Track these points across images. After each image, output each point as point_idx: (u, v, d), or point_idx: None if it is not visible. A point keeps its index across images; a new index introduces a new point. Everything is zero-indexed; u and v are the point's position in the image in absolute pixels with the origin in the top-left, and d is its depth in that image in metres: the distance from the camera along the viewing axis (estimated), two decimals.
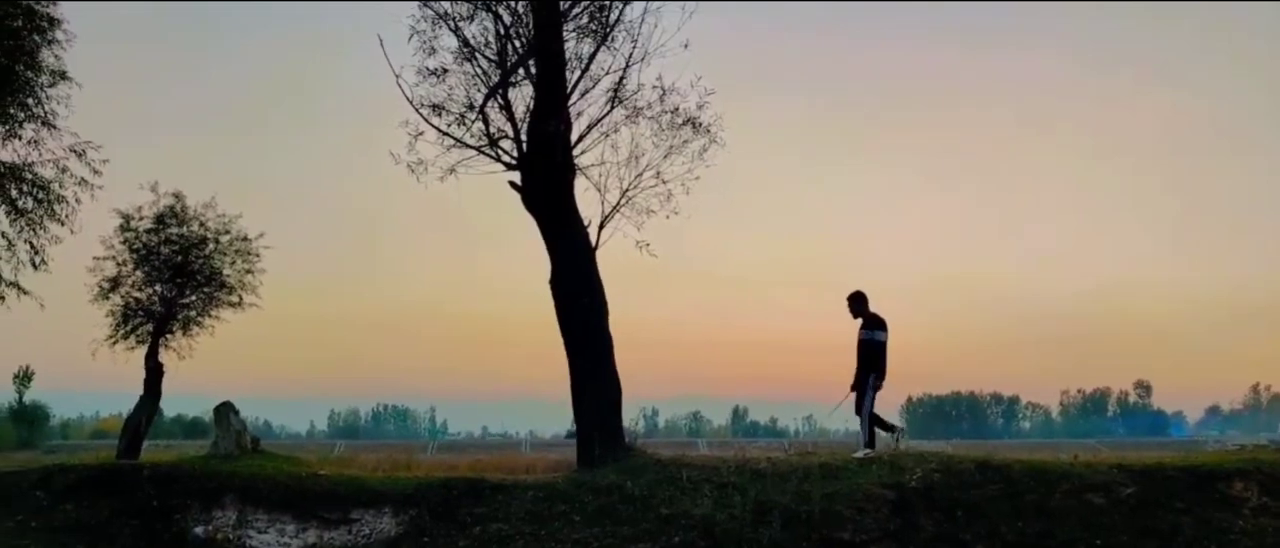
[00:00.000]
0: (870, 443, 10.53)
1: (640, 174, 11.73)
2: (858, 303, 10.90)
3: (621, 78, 11.54)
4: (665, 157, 11.74)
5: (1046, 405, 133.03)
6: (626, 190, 11.71)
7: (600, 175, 11.70)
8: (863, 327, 10.77)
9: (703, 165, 11.78)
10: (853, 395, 10.68)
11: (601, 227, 11.47)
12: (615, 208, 11.62)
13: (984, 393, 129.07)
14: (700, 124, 11.63)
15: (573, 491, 9.57)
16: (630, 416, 11.47)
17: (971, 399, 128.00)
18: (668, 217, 11.83)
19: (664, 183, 11.76)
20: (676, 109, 11.63)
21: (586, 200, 11.53)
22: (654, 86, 11.63)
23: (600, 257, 11.37)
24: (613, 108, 11.58)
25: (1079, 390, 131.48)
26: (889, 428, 10.93)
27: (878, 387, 10.68)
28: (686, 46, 11.38)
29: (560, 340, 11.21)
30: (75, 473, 10.24)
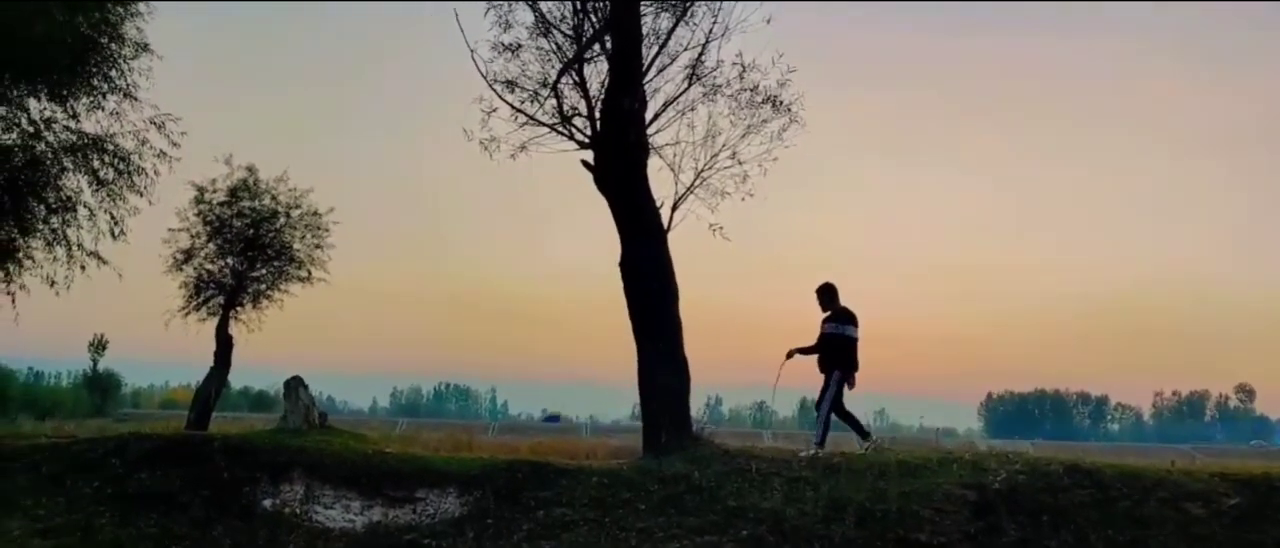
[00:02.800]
0: (821, 442, 10.44)
1: (716, 154, 11.69)
2: (827, 295, 10.72)
3: (700, 54, 11.49)
4: (743, 136, 11.67)
5: (1138, 407, 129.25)
6: (701, 171, 11.68)
7: (675, 155, 11.69)
8: (829, 320, 10.59)
9: (781, 146, 11.68)
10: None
11: (674, 208, 11.46)
12: (689, 189, 11.60)
13: (1070, 392, 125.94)
14: (781, 103, 11.51)
15: (638, 478, 9.60)
16: (695, 404, 11.50)
17: (1056, 398, 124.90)
18: (743, 199, 11.77)
19: (740, 164, 11.70)
20: (756, 87, 11.53)
21: (659, 181, 11.53)
22: (733, 63, 11.56)
23: (672, 239, 11.37)
24: (690, 85, 11.55)
25: (1174, 392, 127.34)
26: (863, 433, 10.75)
27: (848, 384, 10.52)
28: (769, 21, 11.29)
29: (627, 324, 11.25)
30: (149, 442, 10.66)
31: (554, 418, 66.91)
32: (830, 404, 10.47)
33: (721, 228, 11.61)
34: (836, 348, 10.50)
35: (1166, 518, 8.74)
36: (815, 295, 10.80)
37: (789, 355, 10.62)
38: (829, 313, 10.67)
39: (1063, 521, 8.63)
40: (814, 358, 10.64)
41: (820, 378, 10.64)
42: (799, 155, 11.94)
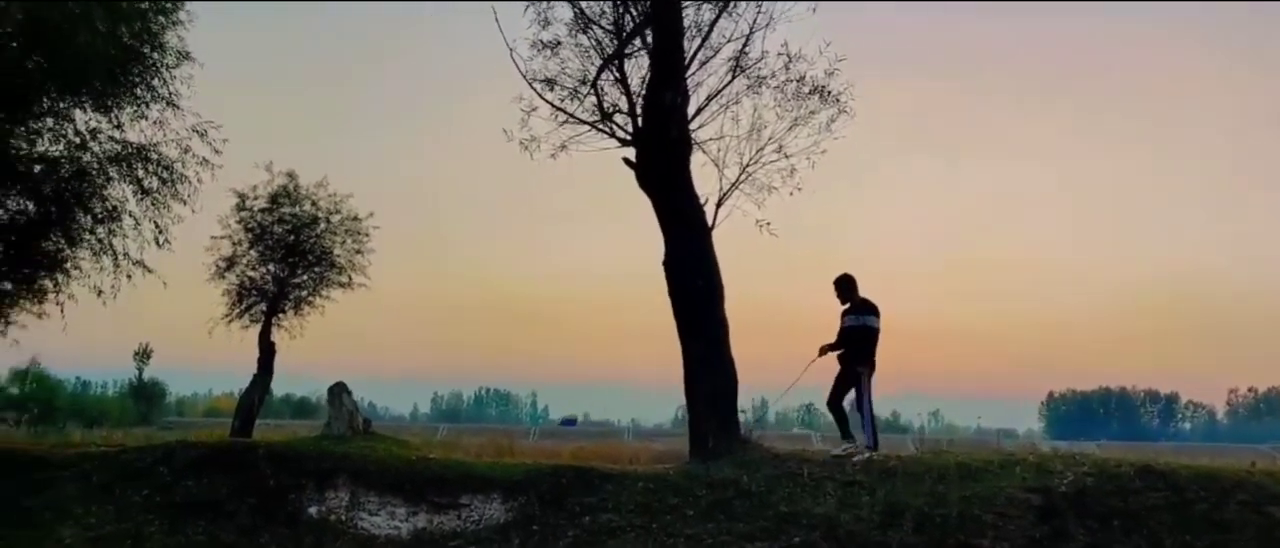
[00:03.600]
0: (874, 444, 10.26)
1: (762, 148, 11.64)
2: (846, 287, 10.49)
3: (744, 45, 11.46)
4: (789, 129, 11.60)
5: (1210, 405, 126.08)
6: (746, 166, 11.64)
7: (718, 150, 11.67)
8: (850, 312, 10.37)
9: (830, 138, 11.59)
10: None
11: (718, 204, 11.43)
12: (734, 184, 11.56)
13: (1137, 389, 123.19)
14: (828, 93, 11.42)
15: (685, 483, 9.58)
16: (741, 406, 11.42)
17: (1122, 396, 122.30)
18: (791, 193, 11.69)
19: (787, 157, 11.63)
20: (803, 78, 11.47)
21: (703, 176, 11.51)
22: (779, 54, 11.50)
23: (717, 236, 11.32)
24: (734, 78, 11.52)
25: (1250, 389, 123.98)
26: (846, 435, 10.54)
27: (870, 379, 10.31)
28: (814, 10, 11.20)
29: (671, 325, 11.23)
30: (195, 450, 10.87)
31: (570, 421, 66.98)
32: (870, 402, 10.31)
33: (768, 223, 11.55)
34: (859, 341, 10.29)
35: (1248, 522, 8.47)
36: (833, 288, 10.59)
37: (821, 352, 10.43)
38: (848, 305, 10.46)
39: (1135, 525, 8.42)
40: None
41: (830, 377, 10.50)
42: (847, 146, 11.86)
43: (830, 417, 10.70)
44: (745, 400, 11.29)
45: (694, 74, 11.33)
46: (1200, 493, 8.77)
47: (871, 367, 10.29)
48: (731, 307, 11.19)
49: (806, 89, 11.46)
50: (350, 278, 16.04)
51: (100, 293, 14.31)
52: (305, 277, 15.87)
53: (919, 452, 10.39)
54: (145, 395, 54.72)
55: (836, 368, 10.42)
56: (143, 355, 56.23)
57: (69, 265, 14.52)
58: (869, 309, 10.35)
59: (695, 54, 11.27)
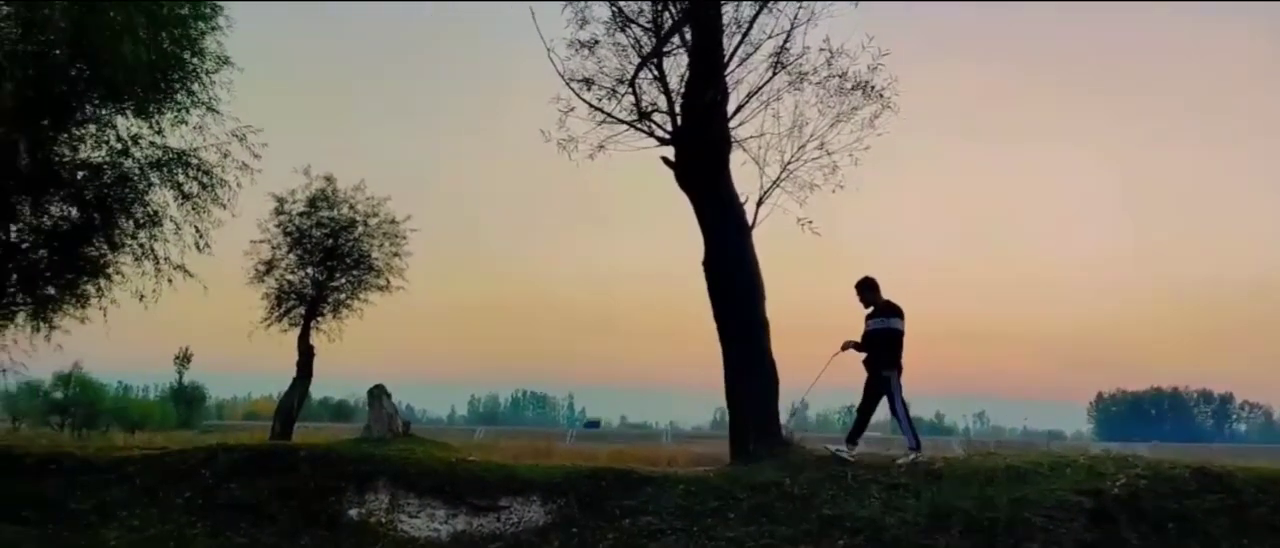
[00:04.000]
0: (916, 445, 10.14)
1: (803, 145, 11.61)
2: (868, 290, 10.34)
3: (785, 41, 11.44)
4: (831, 125, 11.56)
5: (1268, 405, 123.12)
6: (788, 163, 11.61)
7: (759, 148, 11.65)
8: (874, 315, 10.22)
9: (873, 134, 11.52)
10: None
11: (759, 203, 11.42)
12: (775, 182, 11.54)
13: (1190, 389, 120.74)
14: (872, 88, 11.36)
15: (726, 486, 9.57)
16: (782, 408, 11.38)
17: (1175, 397, 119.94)
18: (834, 191, 11.65)
19: (829, 154, 11.59)
20: (845, 73, 11.41)
21: (743, 175, 11.53)
22: (820, 49, 11.45)
23: (757, 235, 11.32)
24: (774, 74, 11.50)
25: None
26: (854, 441, 10.38)
27: (898, 382, 10.16)
28: (857, 3, 11.14)
29: (710, 326, 11.23)
30: (237, 453, 11.05)
31: (593, 424, 66.92)
32: (902, 404, 10.18)
33: (810, 222, 11.49)
34: (884, 344, 10.17)
35: None
36: (855, 291, 10.44)
37: (843, 347, 10.32)
38: (872, 309, 10.33)
39: (1191, 529, 8.28)
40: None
41: (853, 376, 10.42)
42: (891, 140, 11.76)
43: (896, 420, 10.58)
44: (786, 402, 11.25)
45: (734, 71, 11.35)
46: (1258, 496, 8.62)
47: (898, 369, 10.19)
48: (772, 307, 11.19)
49: (849, 85, 11.42)
50: (388, 281, 16.22)
51: (142, 297, 14.59)
52: (343, 280, 16.06)
53: (966, 454, 10.26)
54: (186, 399, 55.59)
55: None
56: (183, 359, 57.13)
57: (111, 270, 14.82)
58: (893, 311, 10.23)
59: (735, 51, 11.28)
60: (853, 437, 10.40)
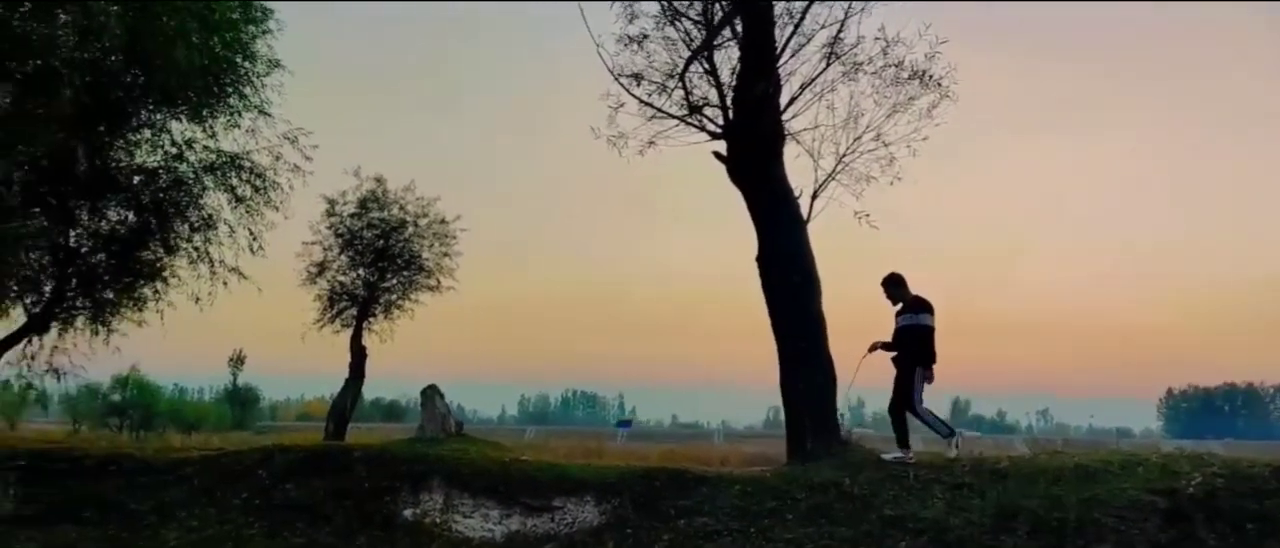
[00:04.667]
0: (904, 443, 10.05)
1: (859, 137, 11.53)
2: (896, 286, 10.20)
3: (838, 31, 11.33)
4: (888, 116, 11.46)
5: None
6: (843, 155, 11.55)
7: (813, 140, 11.59)
8: (903, 312, 10.08)
9: (931, 124, 11.39)
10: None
11: (814, 196, 11.35)
12: (830, 175, 11.48)
13: (1266, 385, 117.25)
14: (929, 77, 11.23)
15: (784, 486, 9.51)
16: (840, 406, 11.32)
17: (1249, 392, 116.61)
18: (891, 183, 11.54)
19: (886, 146, 11.50)
20: (902, 62, 11.29)
21: (797, 168, 11.43)
22: (876, 39, 11.34)
23: (812, 229, 11.23)
24: (828, 65, 11.39)
25: None
26: (904, 443, 10.21)
27: (927, 379, 10.00)
28: None
29: (765, 323, 11.16)
30: (293, 454, 11.25)
31: (625, 424, 66.82)
32: (921, 401, 10.05)
33: (867, 215, 11.40)
34: (913, 340, 10.03)
35: None
36: (882, 289, 10.36)
37: (872, 348, 10.25)
38: (900, 305, 10.22)
39: (1271, 529, 8.02)
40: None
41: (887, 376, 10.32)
42: (948, 131, 11.62)
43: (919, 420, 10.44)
44: (844, 400, 11.18)
45: (786, 63, 11.28)
46: None
47: (930, 367, 10.08)
48: (828, 303, 11.10)
49: (906, 74, 11.30)
50: (438, 281, 16.40)
51: (197, 300, 14.95)
52: (394, 281, 16.28)
53: (1032, 452, 10.07)
54: (240, 401, 56.77)
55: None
56: (237, 361, 58.42)
57: (167, 274, 15.20)
58: (923, 307, 10.11)
59: (787, 42, 11.19)
60: (903, 441, 10.29)
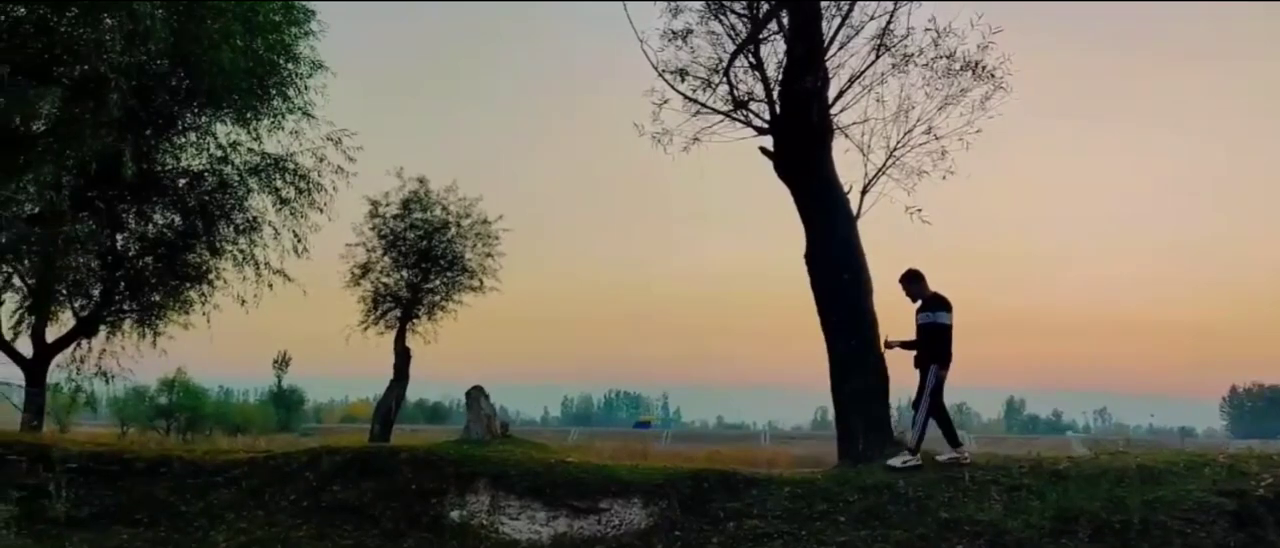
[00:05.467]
0: (916, 448, 9.76)
1: (909, 130, 11.40)
2: (914, 282, 10.01)
3: (888, 22, 11.22)
4: (940, 108, 11.33)
5: None
6: (893, 150, 11.43)
7: (862, 135, 11.50)
8: (922, 309, 9.90)
9: (984, 116, 11.24)
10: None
11: (864, 192, 11.26)
12: (880, 170, 11.38)
13: None
14: (983, 68, 11.08)
15: (835, 488, 9.46)
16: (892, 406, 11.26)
17: None
18: (944, 177, 11.42)
19: (937, 139, 11.36)
20: (953, 53, 11.16)
21: (846, 164, 11.36)
22: (926, 29, 11.22)
23: (862, 225, 11.16)
24: (877, 57, 11.28)
25: None
26: (954, 441, 10.01)
27: (942, 378, 9.79)
28: None
29: (814, 322, 11.10)
30: (339, 456, 11.39)
31: (644, 425, 66.56)
32: (930, 401, 9.86)
33: (919, 211, 11.29)
34: (930, 338, 9.89)
35: None
36: (900, 285, 10.18)
37: (887, 346, 10.18)
38: (919, 302, 10.05)
39: None
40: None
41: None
42: (1001, 122, 11.46)
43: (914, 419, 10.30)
44: (895, 400, 11.09)
45: (834, 56, 11.20)
46: None
47: (946, 366, 9.94)
48: (880, 300, 11.01)
49: (958, 65, 11.16)
50: (481, 282, 16.53)
51: (243, 302, 15.27)
52: (437, 282, 16.42)
53: (1092, 453, 9.92)
54: (285, 403, 57.73)
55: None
56: (281, 363, 59.43)
57: (213, 276, 15.51)
58: (940, 304, 9.97)
59: (835, 34, 11.13)
60: (951, 439, 10.15)
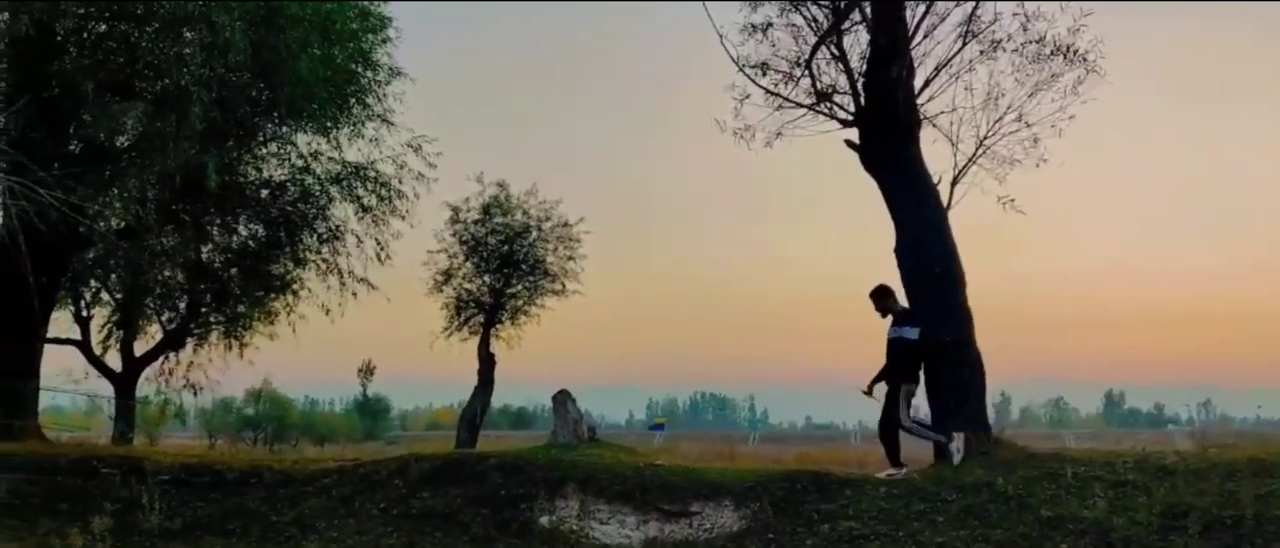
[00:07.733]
0: (897, 461, 10.02)
1: (1000, 118, 11.44)
2: (884, 298, 10.33)
3: (974, 8, 11.29)
4: (1030, 95, 11.34)
5: None
6: (983, 139, 11.47)
7: (951, 124, 11.57)
8: (893, 324, 10.23)
9: (1077, 101, 11.20)
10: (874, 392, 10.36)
11: (954, 182, 11.33)
12: (971, 160, 11.43)
13: None
14: (1074, 52, 11.06)
15: (932, 488, 9.55)
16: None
17: None
18: (1037, 165, 11.42)
19: (1028, 126, 11.38)
20: (1043, 37, 11.17)
21: (934, 154, 11.43)
22: (1014, 14, 11.28)
23: (954, 217, 11.23)
24: (964, 44, 11.37)
25: None
26: (944, 438, 10.16)
27: (911, 394, 10.08)
28: None
29: None
30: (427, 463, 11.77)
31: (659, 427, 65.75)
32: (896, 422, 10.28)
33: (1012, 200, 11.31)
34: (899, 354, 10.27)
35: None
36: (870, 300, 10.62)
37: (868, 393, 10.54)
38: (891, 317, 10.42)
39: None
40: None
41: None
42: (1097, 106, 11.38)
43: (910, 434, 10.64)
44: (992, 397, 11.11)
45: (919, 44, 11.30)
46: None
47: (914, 382, 10.28)
48: (974, 293, 11.07)
49: (1048, 50, 11.16)
50: (563, 285, 16.81)
51: (328, 311, 15.92)
52: (520, 286, 16.72)
53: (1200, 447, 9.82)
54: (370, 411, 58.97)
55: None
56: (366, 371, 60.52)
57: (297, 286, 16.18)
58: (905, 319, 10.28)
59: (919, 22, 11.22)
60: (893, 459, 10.51)
